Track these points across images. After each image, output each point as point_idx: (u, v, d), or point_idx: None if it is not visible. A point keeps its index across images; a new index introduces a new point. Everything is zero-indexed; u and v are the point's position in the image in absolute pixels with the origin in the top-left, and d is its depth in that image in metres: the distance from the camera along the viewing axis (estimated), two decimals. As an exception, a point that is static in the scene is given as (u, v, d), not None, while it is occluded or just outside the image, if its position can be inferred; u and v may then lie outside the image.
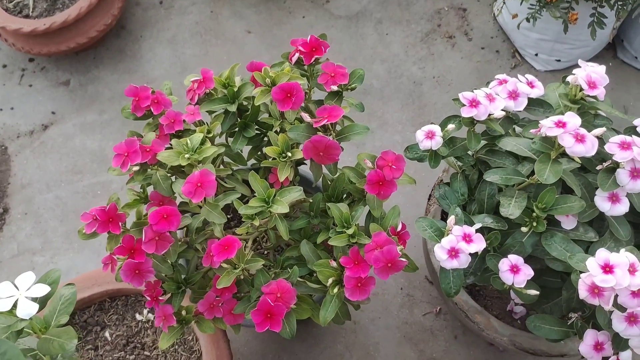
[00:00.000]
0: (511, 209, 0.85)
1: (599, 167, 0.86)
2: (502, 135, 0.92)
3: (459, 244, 0.80)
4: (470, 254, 0.80)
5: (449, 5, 1.83)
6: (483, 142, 0.97)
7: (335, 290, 0.88)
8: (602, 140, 0.84)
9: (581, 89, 0.91)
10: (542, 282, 0.93)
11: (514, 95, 0.93)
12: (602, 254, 0.74)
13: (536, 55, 1.66)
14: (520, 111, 0.94)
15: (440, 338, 1.42)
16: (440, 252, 0.80)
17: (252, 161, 1.09)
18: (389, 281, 1.49)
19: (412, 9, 1.84)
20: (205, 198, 0.86)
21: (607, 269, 0.73)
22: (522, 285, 0.83)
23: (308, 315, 0.94)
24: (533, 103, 0.95)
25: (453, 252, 0.80)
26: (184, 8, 1.91)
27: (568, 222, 0.87)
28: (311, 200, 0.97)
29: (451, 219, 0.82)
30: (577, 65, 0.94)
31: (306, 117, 0.90)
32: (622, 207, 0.84)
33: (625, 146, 0.83)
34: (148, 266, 0.87)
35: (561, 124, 0.81)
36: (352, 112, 0.97)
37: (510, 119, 0.97)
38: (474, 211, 0.93)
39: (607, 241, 0.86)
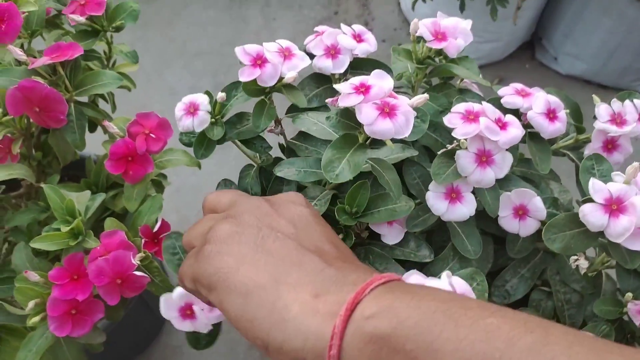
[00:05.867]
0: (306, 214, 0.55)
1: (441, 152, 0.58)
2: (304, 111, 0.62)
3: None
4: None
5: (349, -9, 1.58)
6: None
7: (38, 319, 0.56)
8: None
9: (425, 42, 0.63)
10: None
11: (333, 51, 0.64)
12: (414, 279, 0.45)
13: (442, 50, 1.41)
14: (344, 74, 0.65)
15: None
16: (167, 307, 0.50)
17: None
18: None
19: (308, -7, 1.58)
20: None
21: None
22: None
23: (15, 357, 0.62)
24: (365, 64, 0.66)
25: (188, 311, 0.51)
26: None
27: (392, 234, 0.57)
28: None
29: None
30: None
31: (17, 52, 0.59)
32: (465, 209, 0.55)
33: (471, 117, 0.55)
34: None
35: (363, 89, 0.50)
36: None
37: (332, 89, 0.67)
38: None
39: (449, 260, 0.57)
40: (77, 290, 0.55)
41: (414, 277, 0.45)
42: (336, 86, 0.51)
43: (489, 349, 0.27)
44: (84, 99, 0.68)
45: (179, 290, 0.52)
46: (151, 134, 0.60)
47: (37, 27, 0.68)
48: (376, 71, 0.52)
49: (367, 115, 0.48)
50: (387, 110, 0.49)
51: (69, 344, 0.61)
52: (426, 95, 0.52)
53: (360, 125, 0.51)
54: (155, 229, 0.61)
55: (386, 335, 0.29)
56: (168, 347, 1.12)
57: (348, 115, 0.53)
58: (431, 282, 0.45)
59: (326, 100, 0.62)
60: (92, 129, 0.74)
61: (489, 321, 0.28)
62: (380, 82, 0.50)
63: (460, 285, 0.45)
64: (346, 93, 0.49)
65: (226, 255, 0.36)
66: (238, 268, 0.35)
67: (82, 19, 0.64)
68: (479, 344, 0.27)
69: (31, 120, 0.67)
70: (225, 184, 0.64)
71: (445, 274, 0.46)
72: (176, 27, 1.55)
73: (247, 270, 0.34)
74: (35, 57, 0.65)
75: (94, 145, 0.74)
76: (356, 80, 0.50)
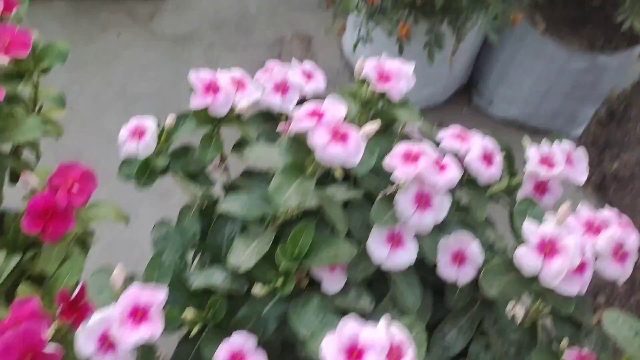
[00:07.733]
0: (245, 255, 0.54)
1: (380, 196, 0.58)
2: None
3: (114, 330, 0.46)
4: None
5: (293, 33, 1.60)
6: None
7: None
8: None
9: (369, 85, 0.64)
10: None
11: (282, 88, 0.65)
12: (349, 329, 0.44)
13: (383, 93, 1.43)
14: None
15: None
16: (84, 343, 0.47)
17: None
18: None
19: (251, 35, 1.59)
20: None
21: (355, 354, 0.43)
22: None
23: None
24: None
25: (105, 343, 0.47)
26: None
27: (332, 281, 0.56)
28: None
29: (118, 273, 0.49)
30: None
31: None
32: (406, 255, 0.55)
33: (411, 158, 0.55)
34: None
35: (317, 114, 0.51)
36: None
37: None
38: (207, 263, 0.61)
39: (389, 310, 0.56)
40: (-23, 369, 0.50)
41: (350, 325, 0.44)
42: (291, 113, 0.52)
43: None
44: (7, 147, 0.64)
45: (96, 317, 0.47)
46: (75, 185, 0.57)
47: (-44, 70, 0.64)
48: (330, 98, 0.53)
49: (320, 138, 0.49)
50: (339, 136, 0.49)
51: None
52: (377, 123, 0.53)
53: (310, 153, 0.51)
54: (74, 294, 0.56)
55: None
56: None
57: (299, 142, 0.53)
58: (368, 330, 0.43)
59: (278, 129, 0.63)
60: (15, 180, 0.70)
61: None
62: (335, 108, 0.52)
63: (398, 334, 0.44)
64: (300, 117, 0.50)
65: None
66: None
67: (6, 60, 0.61)
68: None
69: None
70: (162, 223, 0.62)
71: (383, 320, 0.45)
72: (116, 69, 1.51)
73: None
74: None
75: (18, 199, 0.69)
76: (310, 106, 0.51)
